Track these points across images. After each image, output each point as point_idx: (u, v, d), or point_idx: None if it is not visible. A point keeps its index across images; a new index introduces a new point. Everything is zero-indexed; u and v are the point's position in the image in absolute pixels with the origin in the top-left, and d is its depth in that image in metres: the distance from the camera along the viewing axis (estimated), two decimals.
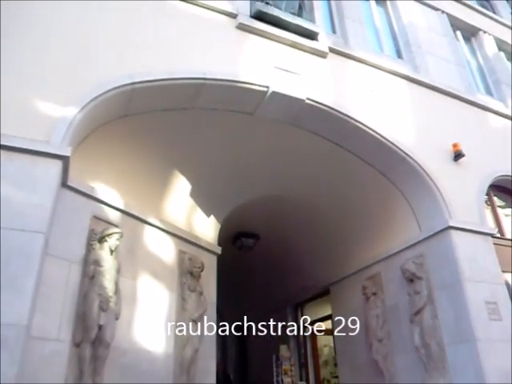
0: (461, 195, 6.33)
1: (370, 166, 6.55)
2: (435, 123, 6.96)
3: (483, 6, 10.93)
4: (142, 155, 5.51)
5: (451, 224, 5.89)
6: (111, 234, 4.62)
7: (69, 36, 4.76)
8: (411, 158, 6.23)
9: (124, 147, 5.37)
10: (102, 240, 4.59)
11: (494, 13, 11.03)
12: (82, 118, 4.43)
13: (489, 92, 8.95)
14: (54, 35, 4.69)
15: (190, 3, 5.83)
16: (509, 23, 10.77)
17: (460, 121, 7.38)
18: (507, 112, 8.25)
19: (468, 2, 10.23)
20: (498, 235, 6.62)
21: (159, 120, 5.47)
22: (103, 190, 4.94)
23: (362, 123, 6.06)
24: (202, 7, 5.89)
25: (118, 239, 4.64)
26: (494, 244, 6.20)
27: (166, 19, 5.56)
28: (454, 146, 6.70)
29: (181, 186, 6.16)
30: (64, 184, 4.31)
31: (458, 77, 8.23)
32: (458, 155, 6.65)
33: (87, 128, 4.75)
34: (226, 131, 6.04)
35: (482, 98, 8.25)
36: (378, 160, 6.47)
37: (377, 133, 6.12)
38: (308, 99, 5.77)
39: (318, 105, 5.84)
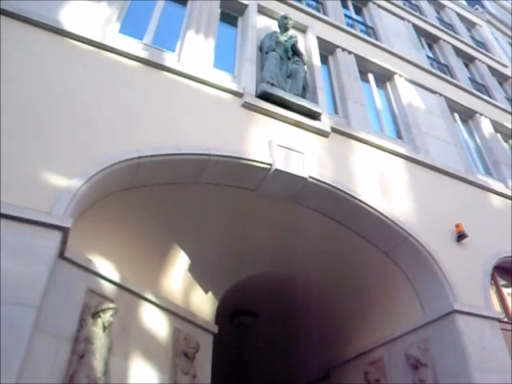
0: (465, 277, 6.20)
1: (372, 246, 6.50)
2: (437, 203, 6.98)
3: (479, 90, 11.42)
4: (142, 227, 5.48)
5: (456, 308, 5.71)
6: (105, 310, 4.46)
7: (77, 110, 4.92)
8: (414, 238, 6.19)
9: (125, 219, 5.34)
10: (95, 315, 4.42)
11: (490, 97, 11.49)
12: (87, 189, 4.46)
13: (488, 172, 9.08)
14: (63, 108, 4.84)
15: (199, 82, 6.08)
16: (504, 106, 11.19)
17: (461, 201, 7.41)
18: (507, 192, 8.31)
19: (464, 86, 10.71)
20: (506, 320, 6.40)
21: (163, 193, 5.51)
22: (101, 262, 4.84)
23: (364, 202, 6.10)
24: (210, 86, 6.14)
25: (112, 315, 4.48)
26: (502, 329, 5.97)
27: (175, 96, 5.79)
28: (457, 226, 6.67)
29: (180, 261, 6.07)
30: (61, 255, 4.23)
31: (458, 157, 8.39)
32: (461, 236, 6.60)
33: (90, 199, 4.76)
34: (228, 206, 6.05)
35: (483, 179, 8.35)
36: (380, 239, 6.42)
37: (379, 212, 6.13)
38: (310, 177, 5.84)
39: (320, 183, 5.91)
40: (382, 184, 6.65)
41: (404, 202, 6.63)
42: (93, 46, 5.69)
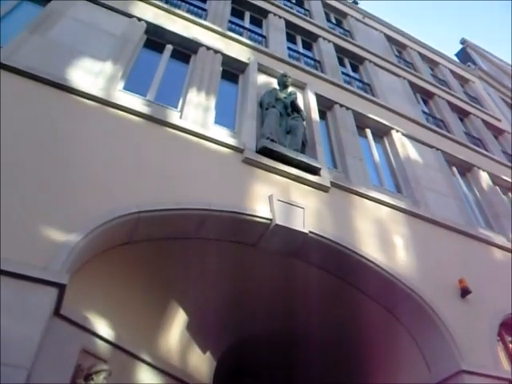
0: (471, 335, 6.02)
1: (374, 302, 6.35)
2: (439, 258, 6.90)
3: (475, 144, 11.62)
4: (140, 283, 5.38)
5: (464, 368, 5.50)
6: (99, 372, 4.29)
7: (78, 164, 4.97)
8: (417, 294, 6.06)
9: (123, 274, 5.26)
10: (88, 378, 4.25)
11: (486, 150, 11.67)
12: (85, 244, 4.43)
13: (489, 226, 9.03)
14: (64, 163, 4.89)
15: (200, 137, 6.19)
16: (500, 160, 11.34)
17: (463, 255, 7.32)
18: (509, 246, 8.24)
19: (461, 140, 10.90)
20: None
21: (162, 248, 5.46)
22: (96, 319, 4.72)
23: (365, 257, 6.03)
24: (211, 141, 6.24)
25: (105, 377, 4.30)
26: None
27: (176, 151, 5.87)
28: (460, 281, 6.56)
29: (178, 318, 5.91)
30: (56, 312, 4.13)
31: (458, 211, 8.39)
32: (464, 291, 6.47)
33: (88, 254, 4.71)
34: (228, 262, 5.98)
35: (484, 232, 8.30)
36: (382, 296, 6.28)
37: (380, 268, 6.05)
38: (311, 232, 5.81)
39: (321, 238, 5.87)
40: (383, 239, 6.60)
41: (405, 256, 6.55)
42: (97, 102, 5.85)
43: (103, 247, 4.95)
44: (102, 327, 4.71)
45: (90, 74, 6.18)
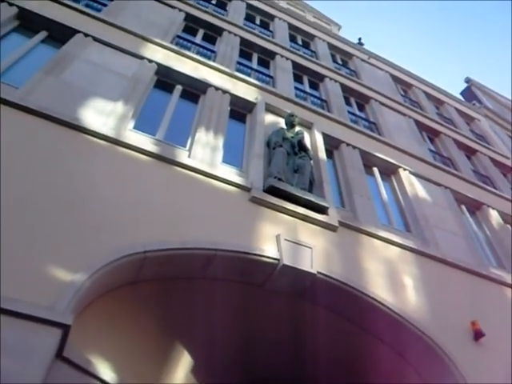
0: (485, 380, 5.78)
1: (384, 344, 6.17)
2: (450, 299, 6.75)
3: (484, 182, 11.58)
4: (145, 324, 5.29)
5: None
6: None
7: (86, 202, 4.99)
8: (428, 336, 5.89)
9: (127, 315, 5.18)
10: None
11: (495, 188, 11.61)
12: (91, 284, 4.37)
13: (501, 265, 8.85)
14: (71, 200, 4.91)
15: (208, 176, 6.22)
16: (510, 197, 11.23)
17: (475, 296, 7.16)
18: None
19: (469, 178, 10.86)
20: None
21: (167, 288, 5.39)
22: (99, 361, 4.60)
23: (374, 299, 5.90)
24: (219, 180, 6.27)
25: None
26: None
27: (184, 190, 5.89)
28: (473, 324, 6.38)
29: (182, 360, 5.78)
30: (59, 355, 4.02)
31: (468, 250, 8.26)
32: (477, 334, 6.29)
33: (94, 295, 4.65)
34: (234, 302, 5.87)
35: (496, 272, 8.13)
36: (392, 338, 6.10)
37: (390, 309, 5.91)
38: (319, 273, 5.72)
39: (329, 279, 5.77)
40: (393, 279, 6.49)
41: (415, 298, 6.41)
42: (107, 141, 5.93)
43: (109, 287, 4.89)
44: (106, 370, 4.59)
45: (101, 114, 6.31)
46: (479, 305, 6.99)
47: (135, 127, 6.73)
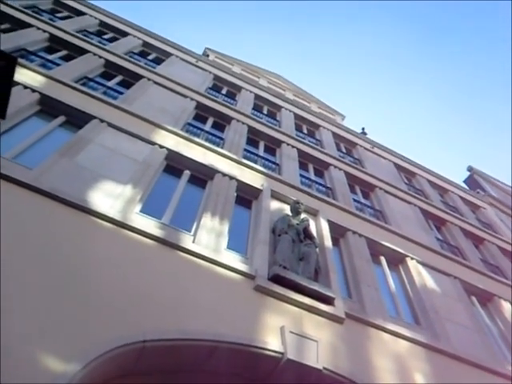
0: None
1: None
2: None
3: (493, 272, 11.38)
4: None
5: None
6: None
7: (84, 286, 4.89)
8: None
9: None
10: None
11: (505, 278, 11.34)
12: (84, 375, 4.16)
13: None
14: (69, 283, 4.82)
15: (211, 262, 6.14)
16: None
17: None
18: None
19: (478, 268, 10.63)
20: None
21: (166, 381, 5.09)
22: None
23: None
24: (223, 267, 6.18)
25: None
26: None
27: (187, 277, 5.80)
28: None
29: None
30: None
31: (481, 344, 7.91)
32: None
33: None
34: None
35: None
36: None
37: None
38: (325, 369, 5.42)
39: (336, 375, 5.46)
40: (402, 375, 6.14)
41: None
42: (113, 223, 5.97)
43: (103, 378, 4.64)
44: None
45: (109, 197, 6.40)
46: None
47: (142, 210, 6.78)
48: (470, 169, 22.71)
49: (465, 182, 21.85)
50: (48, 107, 7.98)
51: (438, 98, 63.32)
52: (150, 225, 6.39)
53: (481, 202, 16.75)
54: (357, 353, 6.06)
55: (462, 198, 15.99)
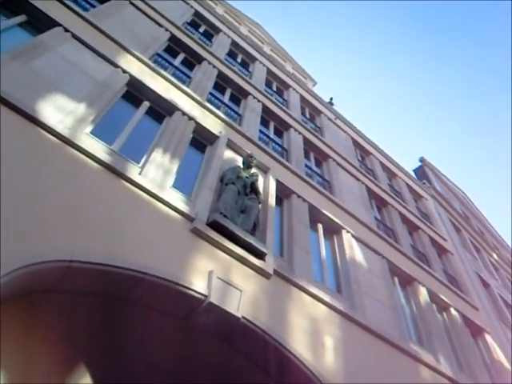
0: None
1: None
2: (366, 365, 6.81)
3: (419, 259, 12.02)
4: (48, 336, 4.97)
5: None
6: None
7: (22, 199, 4.75)
8: None
9: (34, 323, 4.87)
10: None
11: (429, 266, 12.06)
12: (5, 282, 4.11)
13: (421, 342, 9.05)
14: (7, 194, 4.64)
15: (153, 197, 6.09)
16: (441, 278, 11.69)
17: (391, 367, 7.31)
18: (437, 367, 8.25)
19: (407, 253, 11.22)
20: None
21: (84, 306, 5.13)
22: None
23: (292, 353, 5.82)
24: (164, 204, 6.14)
25: None
26: None
27: (126, 207, 5.72)
28: None
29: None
30: None
31: (393, 322, 8.43)
32: None
33: (6, 294, 4.34)
34: (153, 335, 5.64)
35: (414, 348, 8.30)
36: None
37: (307, 368, 5.82)
38: (243, 318, 5.63)
39: (252, 326, 5.68)
40: (315, 337, 6.47)
41: (332, 358, 6.40)
42: (60, 139, 5.72)
43: (26, 289, 4.65)
44: None
45: (60, 111, 6.10)
46: (393, 376, 7.10)
47: (92, 132, 6.54)
48: (421, 160, 23.51)
49: (414, 171, 22.65)
50: (9, 1, 7.34)
51: (417, 86, 64.11)
52: (98, 148, 6.20)
53: (424, 192, 17.49)
54: (277, 309, 6.31)
55: (408, 185, 16.61)
